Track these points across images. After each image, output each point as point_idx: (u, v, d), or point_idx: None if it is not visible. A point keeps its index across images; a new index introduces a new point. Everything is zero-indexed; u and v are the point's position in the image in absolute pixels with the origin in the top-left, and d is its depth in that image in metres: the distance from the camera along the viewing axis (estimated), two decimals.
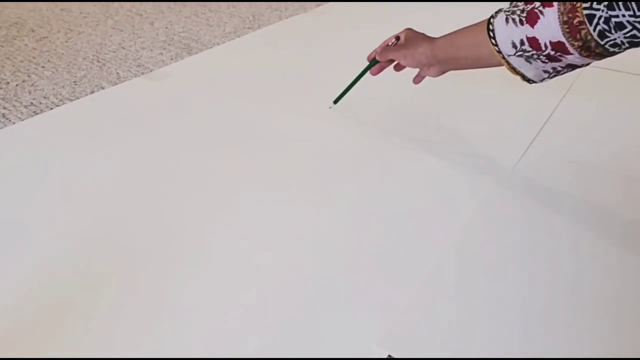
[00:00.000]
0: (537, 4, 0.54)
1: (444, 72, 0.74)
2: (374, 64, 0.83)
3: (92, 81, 1.05)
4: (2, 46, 1.22)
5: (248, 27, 1.35)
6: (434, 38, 0.73)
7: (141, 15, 1.44)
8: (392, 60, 0.82)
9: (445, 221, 0.66)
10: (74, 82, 1.05)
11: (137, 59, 1.16)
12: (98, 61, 1.15)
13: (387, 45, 0.81)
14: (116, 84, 1.04)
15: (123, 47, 1.22)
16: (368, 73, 0.85)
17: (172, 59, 1.15)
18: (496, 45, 0.59)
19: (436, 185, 0.73)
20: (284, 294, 0.56)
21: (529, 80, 0.61)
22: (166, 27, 1.35)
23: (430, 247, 0.62)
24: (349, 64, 1.11)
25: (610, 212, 0.68)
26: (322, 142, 0.84)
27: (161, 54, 1.18)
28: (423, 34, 0.76)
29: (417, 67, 0.76)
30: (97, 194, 0.72)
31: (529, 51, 0.57)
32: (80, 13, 1.45)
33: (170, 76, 1.06)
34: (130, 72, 1.09)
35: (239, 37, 1.28)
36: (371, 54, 0.84)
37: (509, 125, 0.88)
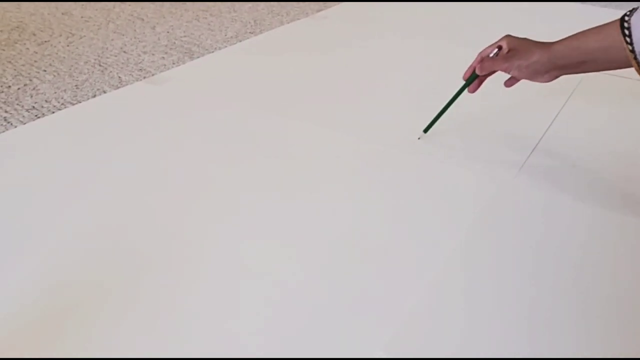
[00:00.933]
0: None
1: (557, 77, 0.70)
2: (473, 80, 0.77)
3: (93, 85, 1.05)
4: (4, 50, 1.22)
5: (250, 32, 1.35)
6: (548, 43, 0.69)
7: (142, 19, 1.44)
8: (491, 73, 0.76)
9: (450, 225, 0.66)
10: (76, 86, 1.05)
11: (139, 63, 1.16)
12: (100, 65, 1.15)
13: (488, 56, 0.75)
14: (118, 87, 1.04)
15: (125, 52, 1.22)
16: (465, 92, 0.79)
17: (173, 64, 1.15)
18: (631, 44, 0.57)
19: (440, 190, 0.73)
20: (287, 299, 0.56)
21: None
22: (167, 32, 1.35)
23: (435, 251, 0.62)
24: (351, 68, 1.11)
25: (614, 216, 0.67)
26: (325, 147, 0.83)
27: (163, 58, 1.18)
28: (531, 40, 0.71)
29: (531, 76, 0.70)
30: (99, 199, 0.71)
31: None
32: (82, 17, 1.45)
33: (172, 80, 1.06)
34: (132, 76, 1.09)
35: (240, 41, 1.28)
36: (468, 70, 0.77)
37: (512, 129, 0.88)
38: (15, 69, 1.12)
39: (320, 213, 0.69)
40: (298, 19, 1.43)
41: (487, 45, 0.76)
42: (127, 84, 1.06)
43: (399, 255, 0.62)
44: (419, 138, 0.80)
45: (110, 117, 0.92)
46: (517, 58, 0.69)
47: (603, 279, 0.59)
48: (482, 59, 0.74)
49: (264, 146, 0.83)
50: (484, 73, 0.74)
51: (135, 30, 1.36)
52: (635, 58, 0.57)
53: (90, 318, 0.53)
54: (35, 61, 1.16)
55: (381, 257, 0.62)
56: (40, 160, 0.79)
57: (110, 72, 1.11)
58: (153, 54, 1.21)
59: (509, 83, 0.77)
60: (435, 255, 0.62)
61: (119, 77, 1.09)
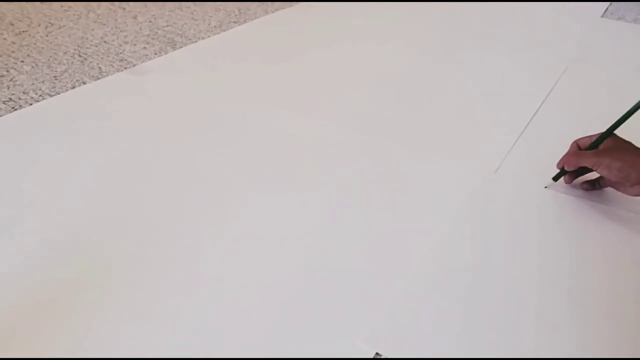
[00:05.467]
0: None
1: None
2: (563, 174, 0.68)
3: (73, 76, 1.02)
4: None
5: (234, 21, 1.32)
6: None
7: (124, 9, 1.41)
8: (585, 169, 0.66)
9: (431, 219, 0.65)
10: (55, 77, 1.02)
11: (120, 53, 1.13)
12: (79, 55, 1.12)
13: (578, 148, 0.66)
14: (98, 79, 1.01)
15: (105, 42, 1.19)
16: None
17: (155, 54, 1.13)
18: None
19: (422, 184, 0.72)
20: (269, 292, 0.55)
21: None
22: (150, 21, 1.32)
23: (416, 245, 0.61)
24: (336, 57, 1.10)
25: (597, 207, 0.67)
26: (308, 136, 0.82)
27: (144, 48, 1.16)
28: (632, 145, 0.63)
29: (620, 182, 0.62)
30: (78, 192, 0.70)
31: None
32: (61, 6, 1.42)
33: (154, 71, 1.04)
34: (113, 66, 1.07)
35: (224, 31, 1.26)
36: (561, 159, 0.67)
37: (493, 123, 0.87)
38: None
39: (301, 204, 0.68)
40: (283, 8, 1.41)
41: (585, 135, 0.67)
42: (107, 75, 1.03)
43: (381, 247, 0.61)
44: (546, 187, 0.70)
45: (91, 109, 0.90)
46: (610, 157, 0.61)
47: (588, 270, 0.58)
48: (570, 153, 0.66)
49: (248, 136, 0.82)
50: (571, 169, 0.66)
51: (116, 20, 1.33)
52: None
53: (68, 314, 0.52)
54: (13, 52, 1.13)
55: (363, 249, 0.61)
56: (17, 153, 0.77)
57: (90, 62, 1.09)
58: (135, 44, 1.18)
59: (587, 186, 0.68)
60: (417, 249, 0.61)
61: (100, 67, 1.06)
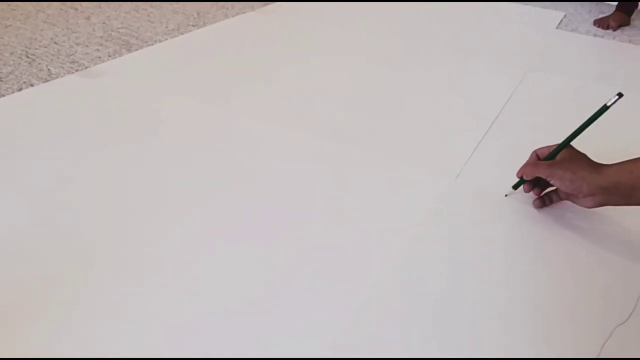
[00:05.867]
0: None
1: (601, 205, 0.61)
2: (521, 184, 0.68)
3: (19, 78, 0.97)
4: None
5: (192, 25, 1.29)
6: (600, 164, 0.60)
7: (76, 9, 1.36)
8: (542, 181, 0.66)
9: (394, 227, 0.64)
10: (0, 78, 0.96)
11: (71, 55, 1.08)
12: (27, 56, 1.06)
13: (537, 157, 0.66)
14: (47, 81, 0.96)
15: (55, 42, 1.14)
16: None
17: (109, 56, 1.08)
18: None
19: (385, 191, 0.71)
20: (234, 299, 0.52)
21: None
22: (104, 23, 1.27)
23: (380, 252, 0.60)
24: (295, 63, 1.08)
25: (555, 211, 0.67)
26: (268, 141, 0.80)
27: (97, 50, 1.11)
28: (586, 156, 0.62)
29: (573, 193, 0.62)
30: (24, 197, 0.65)
31: None
32: (9, 5, 1.35)
33: (107, 74, 0.99)
34: (63, 68, 1.02)
35: (182, 34, 1.22)
36: (520, 168, 0.67)
37: (454, 130, 0.87)
38: None
39: (264, 210, 0.65)
40: (244, 12, 1.38)
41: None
42: (57, 77, 0.98)
43: (347, 254, 0.59)
44: (506, 195, 0.70)
45: (38, 112, 0.85)
46: (563, 168, 0.61)
47: (550, 274, 0.58)
48: (525, 164, 0.66)
49: (200, 140, 0.79)
50: (528, 178, 0.66)
51: (67, 21, 1.27)
52: None
53: (37, 314, 0.48)
54: None
55: (329, 256, 0.59)
56: None
57: (39, 64, 1.03)
58: (87, 46, 1.13)
59: (538, 203, 0.68)
60: (383, 254, 0.59)
61: (49, 69, 1.01)
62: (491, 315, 0.53)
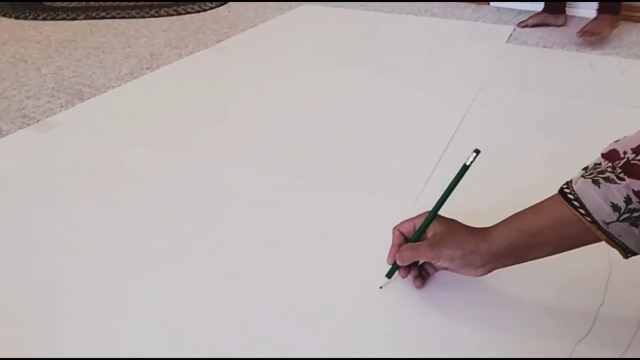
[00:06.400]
0: (630, 154, 0.46)
1: (492, 271, 0.55)
2: (395, 270, 0.60)
3: None
4: None
5: (146, 68, 1.28)
6: (481, 230, 0.55)
7: (26, 61, 1.34)
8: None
9: (354, 258, 0.64)
10: None
11: (22, 109, 1.06)
12: None
13: (406, 243, 0.58)
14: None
15: (5, 97, 1.12)
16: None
17: (61, 107, 1.07)
18: (588, 215, 0.47)
19: (344, 221, 0.71)
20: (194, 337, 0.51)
21: (627, 254, 0.48)
22: (54, 73, 1.26)
23: (341, 285, 0.59)
24: (251, 101, 1.08)
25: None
26: (227, 180, 0.79)
27: (49, 102, 1.09)
28: (459, 223, 0.57)
29: (463, 269, 0.55)
30: None
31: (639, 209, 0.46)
32: None
33: (60, 125, 0.98)
34: (14, 124, 1.00)
35: (135, 78, 1.21)
36: (390, 252, 0.59)
37: (410, 155, 0.87)
38: None
39: (222, 248, 0.64)
40: (197, 51, 1.38)
41: (403, 220, 0.59)
42: (8, 133, 0.96)
43: (306, 290, 0.59)
44: (380, 287, 0.60)
45: None
46: (448, 246, 0.54)
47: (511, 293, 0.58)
48: (401, 248, 0.57)
49: (160, 186, 0.78)
50: (405, 264, 0.58)
51: (17, 74, 1.25)
52: (600, 228, 0.47)
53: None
54: None
55: (286, 293, 0.58)
56: None
57: None
58: (38, 98, 1.11)
59: (419, 283, 0.60)
60: (343, 288, 0.59)
61: None
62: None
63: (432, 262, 0.56)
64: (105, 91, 1.14)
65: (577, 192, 0.48)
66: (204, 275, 0.62)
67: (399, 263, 0.58)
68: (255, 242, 0.67)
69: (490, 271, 0.55)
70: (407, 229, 0.58)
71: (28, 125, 0.99)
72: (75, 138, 0.93)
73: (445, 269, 0.58)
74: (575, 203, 0.48)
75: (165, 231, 0.69)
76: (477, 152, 0.55)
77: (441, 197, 0.57)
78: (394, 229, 0.59)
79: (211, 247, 0.66)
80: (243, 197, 0.76)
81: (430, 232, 0.56)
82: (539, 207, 0.52)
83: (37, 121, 1.01)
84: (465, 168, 0.56)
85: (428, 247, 0.55)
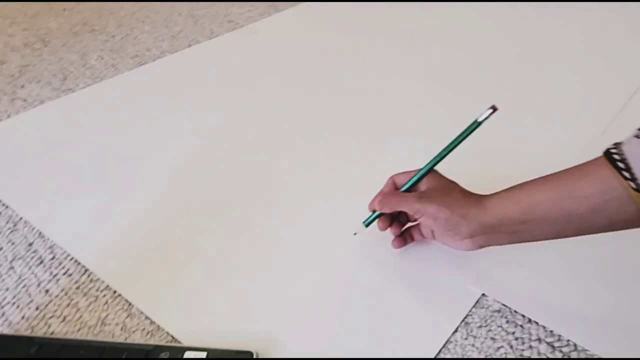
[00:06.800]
0: None
1: (480, 247, 0.50)
2: (376, 217, 0.56)
3: (188, 35, 1.12)
4: (106, 3, 1.31)
5: None
6: (479, 196, 0.49)
7: None
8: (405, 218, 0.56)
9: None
10: (172, 36, 1.12)
11: (228, 15, 1.21)
12: (192, 17, 1.21)
13: (395, 186, 0.54)
14: (210, 38, 1.10)
15: (213, 4, 1.28)
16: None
17: (260, 15, 1.20)
18: (632, 180, 0.40)
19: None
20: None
21: None
22: None
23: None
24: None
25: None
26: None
27: (249, 10, 1.23)
28: (458, 186, 0.52)
29: (448, 234, 0.50)
30: (189, 146, 0.78)
31: None
32: None
33: (262, 31, 1.11)
34: (222, 27, 1.15)
35: None
36: (374, 199, 0.55)
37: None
38: (117, 20, 1.20)
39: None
40: None
41: (401, 171, 0.55)
42: (218, 35, 1.11)
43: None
44: (355, 234, 0.57)
45: (207, 65, 0.99)
46: (434, 203, 0.49)
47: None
48: (386, 193, 0.54)
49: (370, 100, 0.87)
50: (386, 212, 0.53)
51: None
52: None
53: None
54: (134, 13, 1.24)
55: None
56: (142, 107, 0.87)
57: (202, 23, 1.17)
58: (240, 7, 1.25)
59: (398, 243, 0.56)
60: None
61: (211, 28, 1.15)
62: None
63: (415, 217, 0.51)
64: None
65: (626, 154, 0.40)
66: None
67: (377, 208, 0.54)
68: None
69: (480, 246, 0.50)
70: (402, 181, 0.54)
71: (234, 29, 1.14)
72: (275, 43, 1.06)
73: (432, 237, 0.54)
74: (621, 164, 0.40)
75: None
76: (494, 109, 0.49)
77: (442, 152, 0.52)
78: (389, 178, 0.55)
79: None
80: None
81: (423, 187, 0.52)
82: (568, 173, 0.44)
83: (241, 26, 1.15)
84: (476, 124, 0.50)
85: (413, 198, 0.50)
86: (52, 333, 0.51)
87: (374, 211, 0.55)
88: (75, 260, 0.59)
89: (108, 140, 0.78)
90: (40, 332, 0.51)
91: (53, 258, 0.60)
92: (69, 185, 0.70)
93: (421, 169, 0.53)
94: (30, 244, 0.62)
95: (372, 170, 0.67)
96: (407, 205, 0.51)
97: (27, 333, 0.51)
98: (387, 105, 0.84)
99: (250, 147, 0.76)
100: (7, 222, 0.65)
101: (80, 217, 0.64)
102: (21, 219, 0.65)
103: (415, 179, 0.53)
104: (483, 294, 0.53)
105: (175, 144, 0.77)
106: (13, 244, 0.62)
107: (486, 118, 0.49)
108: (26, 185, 0.70)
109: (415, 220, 0.55)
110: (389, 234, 0.56)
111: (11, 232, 0.64)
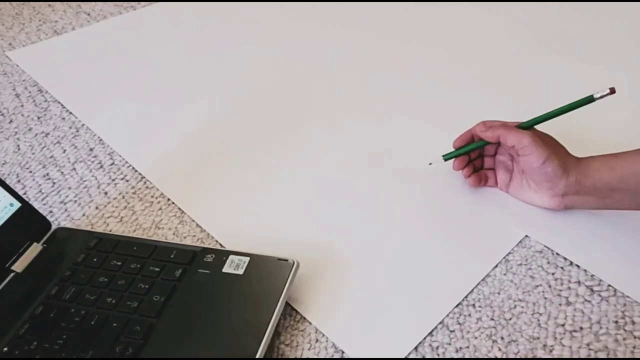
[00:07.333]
0: None
1: (567, 208, 0.51)
2: (476, 148, 0.55)
3: None
4: None
5: None
6: (577, 157, 0.50)
7: None
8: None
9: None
10: None
11: None
12: None
13: (505, 124, 0.52)
14: None
15: None
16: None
17: None
18: None
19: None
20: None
21: None
22: None
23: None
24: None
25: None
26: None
27: None
28: (557, 142, 0.51)
29: (540, 186, 0.51)
30: (246, 67, 0.79)
31: None
32: None
33: None
34: None
35: None
36: (462, 136, 0.56)
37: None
38: None
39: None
40: None
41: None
42: None
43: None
44: (430, 163, 0.58)
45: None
46: (548, 150, 0.48)
47: None
48: (491, 122, 0.53)
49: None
50: (487, 136, 0.52)
51: None
52: None
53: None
54: None
55: None
56: (198, 31, 0.88)
57: None
58: None
59: (474, 181, 0.55)
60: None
61: None
62: None
63: (520, 150, 0.49)
64: None
65: None
66: None
67: (481, 130, 0.52)
68: None
69: (566, 207, 0.50)
70: (494, 125, 0.52)
71: None
72: None
73: (506, 188, 0.55)
74: None
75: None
76: (612, 91, 0.48)
77: (547, 114, 0.52)
78: (479, 122, 0.54)
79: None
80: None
81: (526, 139, 0.50)
82: None
83: None
84: (589, 99, 0.50)
85: (526, 135, 0.49)
86: (110, 231, 0.54)
87: (457, 148, 0.55)
88: (133, 167, 0.62)
89: (166, 58, 0.80)
90: (99, 229, 0.55)
91: (112, 164, 0.63)
92: (127, 97, 0.72)
93: (520, 123, 0.52)
94: (92, 149, 0.65)
95: (458, 110, 0.68)
96: (517, 139, 0.49)
97: (87, 228, 0.55)
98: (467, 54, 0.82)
99: (314, 70, 0.76)
100: (70, 128, 0.68)
101: (138, 128, 0.67)
102: (83, 125, 0.68)
103: (529, 122, 0.52)
104: (526, 235, 0.53)
105: (233, 65, 0.78)
106: (76, 147, 0.65)
107: (602, 96, 0.49)
108: (88, 95, 0.73)
109: (512, 158, 0.54)
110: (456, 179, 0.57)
111: (74, 136, 0.67)
